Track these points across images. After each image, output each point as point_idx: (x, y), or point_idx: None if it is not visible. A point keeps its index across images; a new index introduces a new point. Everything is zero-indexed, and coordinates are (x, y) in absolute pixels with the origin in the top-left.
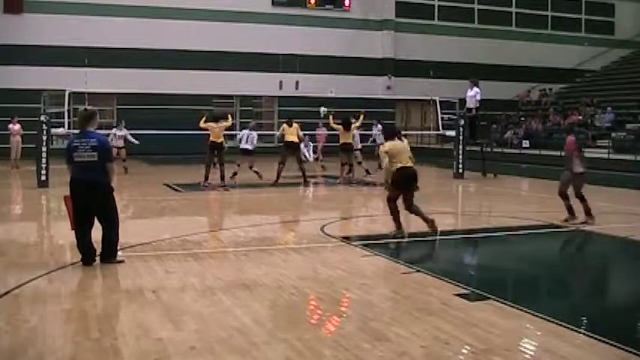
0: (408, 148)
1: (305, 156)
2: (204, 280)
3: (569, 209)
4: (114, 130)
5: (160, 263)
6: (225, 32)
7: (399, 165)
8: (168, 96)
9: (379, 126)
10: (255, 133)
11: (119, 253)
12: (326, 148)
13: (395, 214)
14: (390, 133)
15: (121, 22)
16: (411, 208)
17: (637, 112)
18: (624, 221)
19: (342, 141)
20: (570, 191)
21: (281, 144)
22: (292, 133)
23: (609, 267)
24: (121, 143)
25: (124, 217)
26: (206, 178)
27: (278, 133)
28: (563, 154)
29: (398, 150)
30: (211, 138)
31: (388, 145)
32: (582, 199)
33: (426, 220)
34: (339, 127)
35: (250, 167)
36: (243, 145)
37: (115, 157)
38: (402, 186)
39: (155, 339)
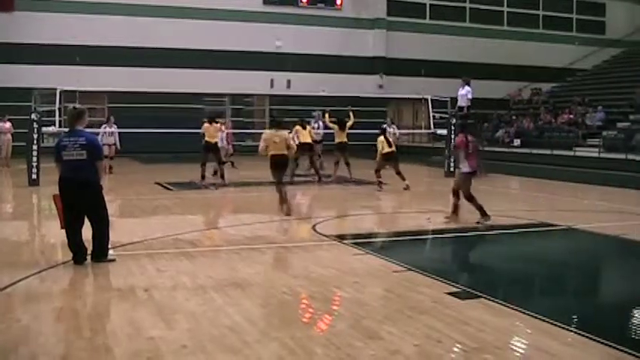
0: (287, 138)
1: None
2: (196, 279)
3: (456, 207)
4: (103, 127)
5: (151, 262)
6: (216, 30)
7: (272, 151)
8: (160, 94)
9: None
10: None
11: (110, 251)
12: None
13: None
14: (273, 124)
15: (112, 20)
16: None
17: (628, 111)
18: (615, 220)
19: (337, 140)
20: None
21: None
22: (306, 135)
23: (601, 265)
24: (112, 140)
25: (116, 215)
26: (202, 177)
27: (292, 134)
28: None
29: (272, 139)
30: (206, 138)
31: (265, 134)
32: (470, 199)
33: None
34: (335, 126)
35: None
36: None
37: (108, 152)
38: (273, 169)
39: (147, 338)
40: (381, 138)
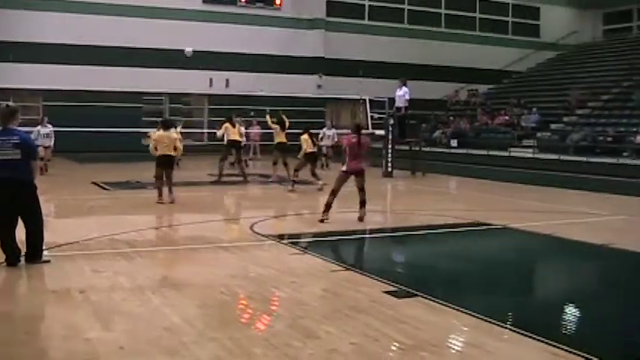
0: (175, 139)
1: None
2: (134, 280)
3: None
4: (38, 128)
5: (88, 263)
6: (155, 29)
7: (160, 153)
8: (97, 93)
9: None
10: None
11: (45, 252)
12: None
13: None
14: (164, 124)
15: (47, 17)
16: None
17: (561, 113)
18: (549, 219)
19: (277, 140)
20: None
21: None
22: (235, 133)
23: (534, 263)
24: (47, 142)
25: (51, 216)
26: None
27: (222, 130)
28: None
29: (162, 140)
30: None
31: (155, 135)
32: (332, 194)
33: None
34: (276, 126)
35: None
36: None
37: (44, 154)
38: (158, 167)
39: (84, 339)
40: (305, 136)
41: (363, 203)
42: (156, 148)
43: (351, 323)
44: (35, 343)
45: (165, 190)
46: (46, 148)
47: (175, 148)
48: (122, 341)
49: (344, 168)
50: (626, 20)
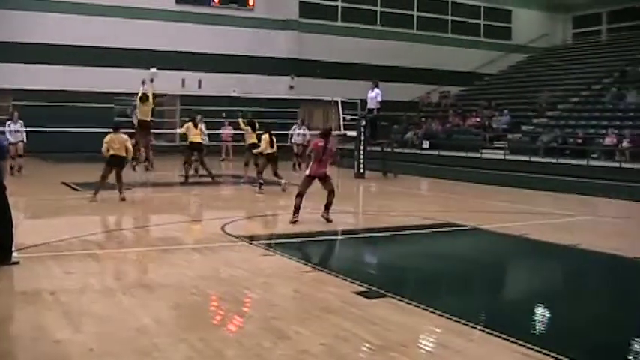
0: (125, 141)
1: None
2: (104, 281)
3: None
4: (8, 125)
5: (58, 264)
6: (128, 29)
7: (112, 152)
8: (68, 93)
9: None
10: None
11: (14, 254)
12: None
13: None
14: (113, 128)
15: (18, 16)
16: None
17: (531, 115)
18: (519, 220)
19: (249, 142)
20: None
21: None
22: (197, 135)
23: (505, 264)
24: (19, 137)
25: (20, 216)
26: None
27: (183, 129)
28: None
29: (113, 141)
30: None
31: (107, 138)
32: (299, 196)
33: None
34: (247, 127)
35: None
36: None
37: (15, 153)
38: (108, 166)
39: (53, 341)
40: (266, 137)
41: (328, 205)
42: (108, 150)
43: (321, 324)
44: (4, 345)
45: (100, 190)
46: (17, 144)
47: (127, 150)
48: (92, 343)
49: (307, 172)
50: (595, 24)
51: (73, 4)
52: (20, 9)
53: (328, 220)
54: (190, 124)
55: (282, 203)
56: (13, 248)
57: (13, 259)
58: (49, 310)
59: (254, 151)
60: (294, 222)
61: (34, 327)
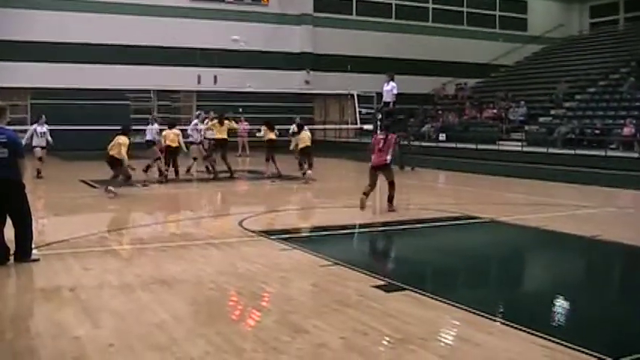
0: (122, 142)
1: None
2: (123, 277)
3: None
4: (35, 127)
5: (77, 261)
6: (142, 26)
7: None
8: (85, 91)
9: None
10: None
11: (34, 251)
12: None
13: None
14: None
15: (33, 14)
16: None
17: (549, 106)
18: (537, 212)
19: (267, 137)
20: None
21: None
22: (222, 131)
23: (523, 256)
24: (43, 142)
25: (39, 214)
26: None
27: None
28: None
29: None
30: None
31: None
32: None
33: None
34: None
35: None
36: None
37: (44, 155)
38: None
39: (72, 338)
40: (304, 132)
41: (391, 198)
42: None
43: (339, 318)
44: (24, 342)
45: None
46: (42, 148)
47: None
48: (111, 338)
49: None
50: (612, 13)
51: (90, 3)
52: (38, 8)
53: (392, 211)
54: (216, 121)
55: (299, 198)
56: (33, 245)
57: (33, 257)
58: (69, 306)
59: (292, 145)
60: (362, 208)
61: (54, 323)
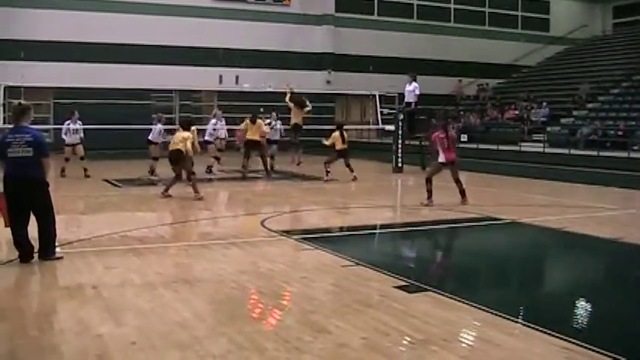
0: (186, 137)
1: None
2: (145, 276)
3: (430, 192)
4: (67, 124)
5: (99, 259)
6: (164, 26)
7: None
8: (106, 90)
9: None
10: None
11: (57, 249)
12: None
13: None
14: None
15: (57, 14)
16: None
17: (571, 107)
18: (559, 213)
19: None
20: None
21: None
22: (255, 131)
23: (544, 258)
24: (76, 139)
25: (63, 212)
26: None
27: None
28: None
29: (175, 137)
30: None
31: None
32: (427, 181)
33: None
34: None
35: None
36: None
37: (71, 155)
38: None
39: (95, 335)
40: (337, 133)
41: (463, 192)
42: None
43: (361, 318)
44: (47, 339)
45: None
46: (74, 146)
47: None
48: (134, 337)
49: (441, 159)
50: (636, 13)
51: (112, 3)
52: (60, 8)
53: (464, 203)
54: (249, 120)
55: (321, 198)
56: (56, 244)
57: (57, 255)
58: (91, 304)
59: (325, 143)
60: (427, 204)
61: (77, 321)
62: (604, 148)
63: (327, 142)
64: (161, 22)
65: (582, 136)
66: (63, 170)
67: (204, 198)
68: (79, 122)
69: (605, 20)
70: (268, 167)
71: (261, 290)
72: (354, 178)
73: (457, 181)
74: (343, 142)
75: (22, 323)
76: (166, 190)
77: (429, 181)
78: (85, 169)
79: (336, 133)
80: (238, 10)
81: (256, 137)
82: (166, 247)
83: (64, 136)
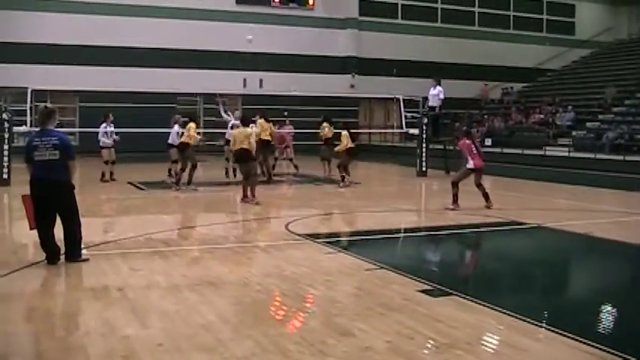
0: (249, 133)
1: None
2: (170, 278)
3: (455, 197)
4: (104, 127)
5: (125, 261)
6: (189, 30)
7: (236, 147)
8: (131, 94)
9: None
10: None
11: (83, 251)
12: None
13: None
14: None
15: (84, 19)
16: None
17: (596, 111)
18: (584, 218)
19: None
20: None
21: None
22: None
23: (569, 263)
24: (110, 142)
25: (88, 215)
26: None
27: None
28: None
29: (236, 135)
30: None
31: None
32: (454, 185)
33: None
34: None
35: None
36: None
37: (109, 157)
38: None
39: (121, 337)
40: (346, 133)
41: (487, 196)
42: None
43: (385, 321)
44: (74, 340)
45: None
46: (110, 149)
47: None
48: (160, 338)
49: (470, 166)
50: None
51: (136, 7)
52: (85, 13)
53: (488, 207)
54: (263, 119)
55: (344, 202)
56: (82, 246)
57: (83, 257)
58: (117, 305)
59: (336, 148)
60: (452, 209)
61: (103, 322)
62: (630, 152)
63: (340, 148)
64: (185, 26)
65: (608, 140)
66: (103, 175)
67: (260, 202)
68: (112, 125)
69: (631, 23)
70: (271, 171)
71: (285, 293)
72: (347, 184)
73: (479, 185)
74: (352, 140)
75: (49, 324)
76: (245, 195)
77: (455, 185)
78: (112, 172)
79: (345, 132)
80: (262, 14)
81: (268, 137)
82: (191, 249)
83: (102, 138)
